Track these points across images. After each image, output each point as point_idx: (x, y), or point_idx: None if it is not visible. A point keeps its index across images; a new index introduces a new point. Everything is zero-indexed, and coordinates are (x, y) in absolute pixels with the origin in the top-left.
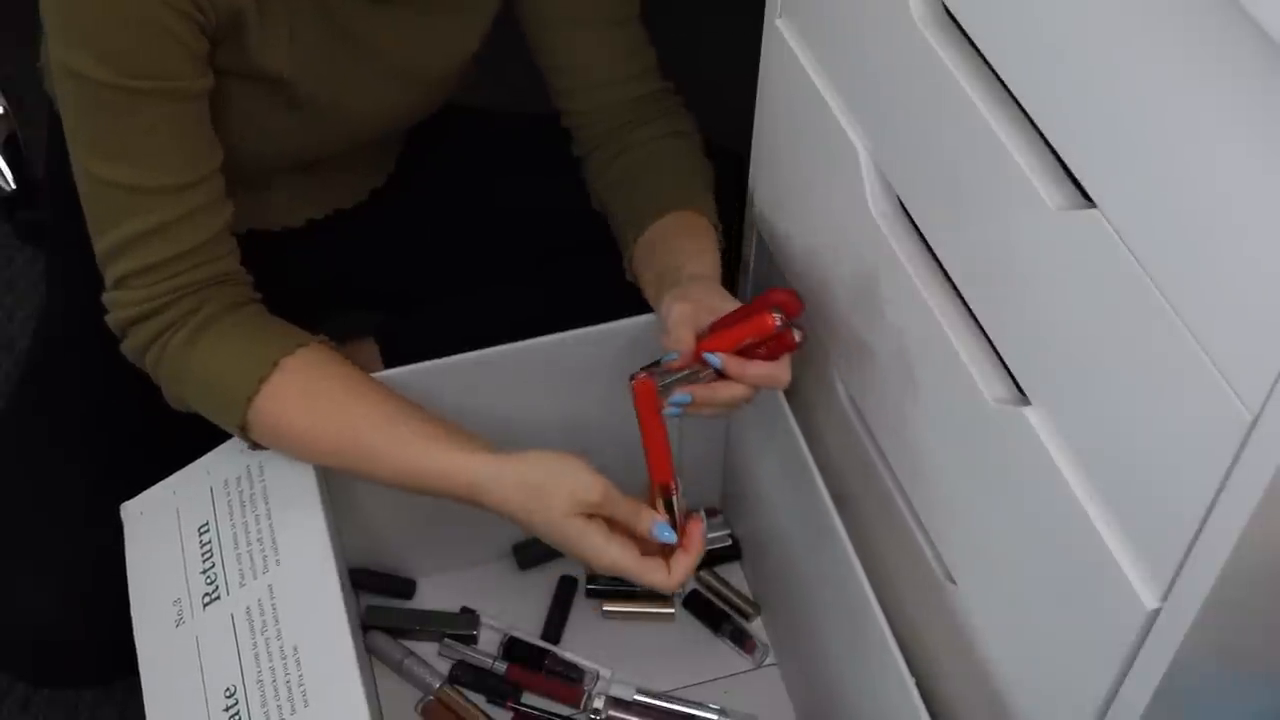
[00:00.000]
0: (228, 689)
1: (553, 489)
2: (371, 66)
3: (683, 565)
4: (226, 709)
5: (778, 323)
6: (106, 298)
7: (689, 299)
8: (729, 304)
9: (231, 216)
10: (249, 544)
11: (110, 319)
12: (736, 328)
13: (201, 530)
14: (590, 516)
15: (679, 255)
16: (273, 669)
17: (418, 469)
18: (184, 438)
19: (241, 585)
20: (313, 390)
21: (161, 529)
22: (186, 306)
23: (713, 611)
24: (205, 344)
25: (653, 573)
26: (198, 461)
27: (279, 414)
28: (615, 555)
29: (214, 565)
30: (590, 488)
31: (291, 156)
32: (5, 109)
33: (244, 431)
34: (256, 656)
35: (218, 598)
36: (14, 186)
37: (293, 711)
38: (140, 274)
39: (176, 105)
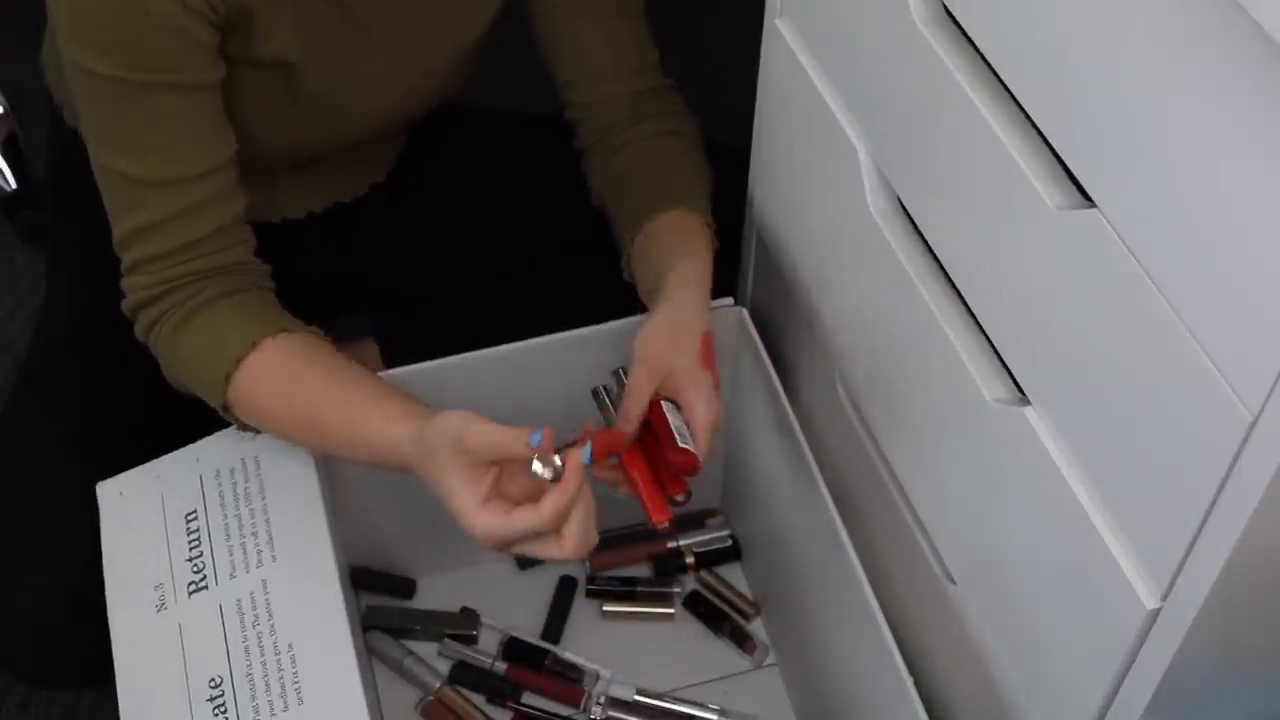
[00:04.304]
0: (213, 679)
1: (437, 440)
2: (378, 55)
3: (550, 500)
4: (211, 699)
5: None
6: (121, 283)
7: (650, 351)
8: (693, 336)
9: (244, 207)
10: (242, 537)
11: (123, 304)
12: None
13: (189, 517)
14: (479, 478)
15: (667, 258)
16: (264, 664)
17: (358, 439)
18: (185, 437)
19: (232, 577)
20: (284, 369)
21: (143, 511)
22: (187, 293)
23: (713, 611)
24: (195, 325)
25: (520, 519)
26: (186, 448)
27: (255, 392)
28: (482, 518)
29: (202, 554)
30: (465, 432)
31: (294, 147)
32: (5, 109)
33: (229, 414)
34: (246, 650)
35: (205, 587)
36: (14, 186)
37: (285, 709)
38: (148, 261)
39: (186, 98)
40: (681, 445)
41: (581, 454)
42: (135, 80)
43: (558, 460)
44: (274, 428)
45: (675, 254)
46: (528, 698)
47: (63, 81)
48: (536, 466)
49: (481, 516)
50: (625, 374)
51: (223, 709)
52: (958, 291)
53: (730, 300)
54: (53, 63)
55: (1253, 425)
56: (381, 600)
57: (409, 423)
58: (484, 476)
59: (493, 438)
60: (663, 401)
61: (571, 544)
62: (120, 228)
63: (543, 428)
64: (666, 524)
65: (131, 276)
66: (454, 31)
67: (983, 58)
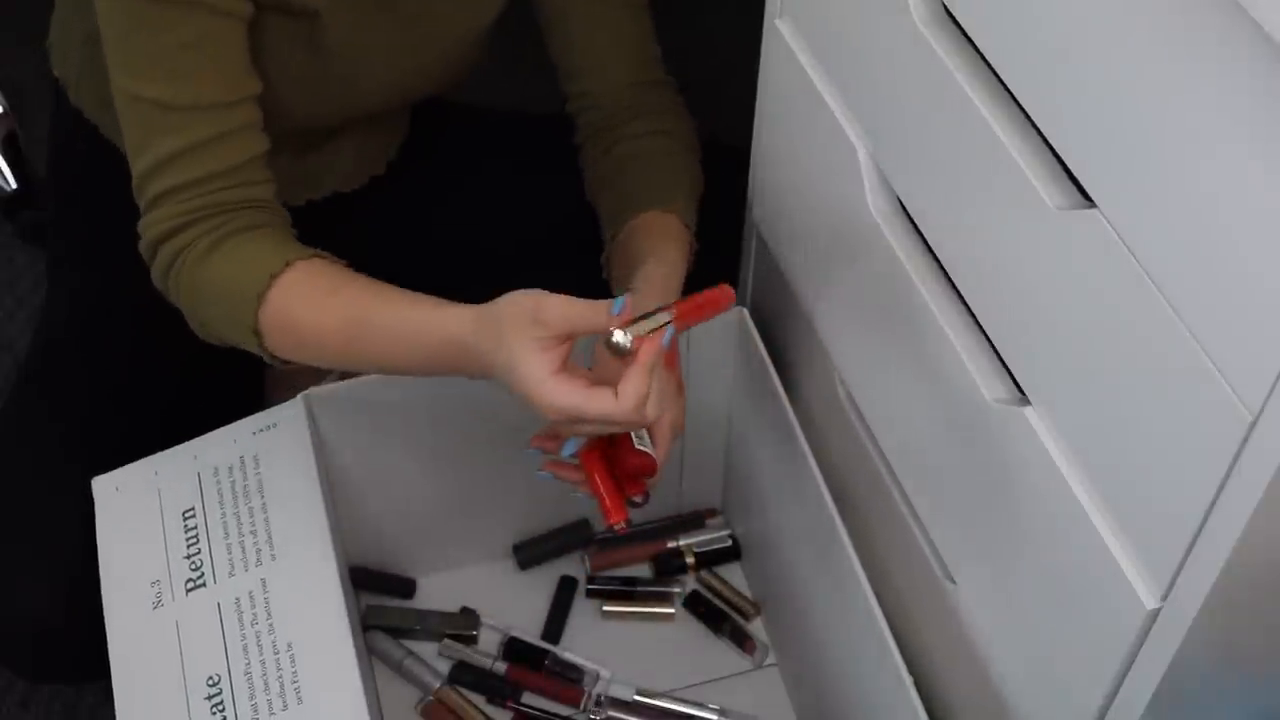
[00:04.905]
0: (210, 677)
1: (507, 314)
2: (395, 26)
3: (631, 385)
4: (209, 697)
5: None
6: (139, 224)
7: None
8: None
9: (267, 150)
10: (241, 535)
11: (141, 245)
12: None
13: (186, 515)
14: (551, 347)
15: (638, 258)
16: (263, 663)
17: (409, 332)
18: (187, 436)
19: (231, 576)
20: (321, 284)
21: (140, 507)
22: (215, 222)
23: (713, 611)
24: (223, 251)
25: (598, 400)
26: (184, 444)
27: (291, 306)
28: (553, 388)
29: (200, 552)
30: (541, 304)
31: (306, 107)
32: (5, 109)
33: (259, 338)
34: (245, 649)
35: (203, 585)
36: (14, 186)
37: (284, 708)
38: (175, 191)
39: (214, 22)
40: (639, 448)
41: (664, 338)
42: None
43: (632, 335)
44: (311, 342)
45: (646, 254)
46: (528, 698)
47: (69, 64)
48: (618, 336)
49: (552, 386)
50: None
51: (221, 708)
52: (958, 291)
53: None
54: (60, 45)
55: (1253, 425)
56: (381, 600)
57: (465, 309)
58: (556, 347)
59: (569, 309)
60: None
61: (628, 405)
62: (144, 161)
63: (625, 295)
64: (624, 525)
65: (154, 211)
66: (469, 14)
67: (983, 58)
